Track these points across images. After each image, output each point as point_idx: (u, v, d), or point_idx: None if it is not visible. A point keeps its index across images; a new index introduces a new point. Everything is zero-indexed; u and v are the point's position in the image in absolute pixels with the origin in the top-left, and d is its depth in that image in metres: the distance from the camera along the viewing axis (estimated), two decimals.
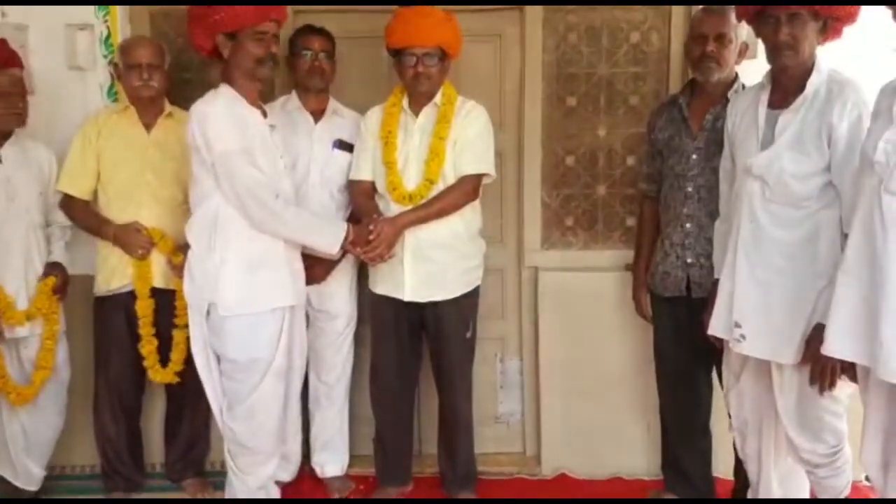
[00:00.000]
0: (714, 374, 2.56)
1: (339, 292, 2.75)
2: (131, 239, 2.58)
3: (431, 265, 2.53)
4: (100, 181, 2.65)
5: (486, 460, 2.93)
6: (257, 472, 2.33)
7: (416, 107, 2.56)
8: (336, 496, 2.82)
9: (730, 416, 2.37)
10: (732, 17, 2.32)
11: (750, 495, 2.37)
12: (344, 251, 2.42)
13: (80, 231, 2.72)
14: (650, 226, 2.65)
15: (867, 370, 1.81)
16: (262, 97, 2.40)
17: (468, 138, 2.51)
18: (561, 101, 2.93)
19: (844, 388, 1.99)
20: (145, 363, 2.63)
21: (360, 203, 2.62)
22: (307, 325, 2.71)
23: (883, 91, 1.84)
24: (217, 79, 2.76)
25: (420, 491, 2.83)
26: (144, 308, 2.60)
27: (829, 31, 2.04)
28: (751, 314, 2.08)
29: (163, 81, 2.63)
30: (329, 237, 2.32)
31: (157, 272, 2.62)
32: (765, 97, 2.12)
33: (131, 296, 2.61)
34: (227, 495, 2.38)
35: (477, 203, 2.62)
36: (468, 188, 2.53)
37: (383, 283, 2.60)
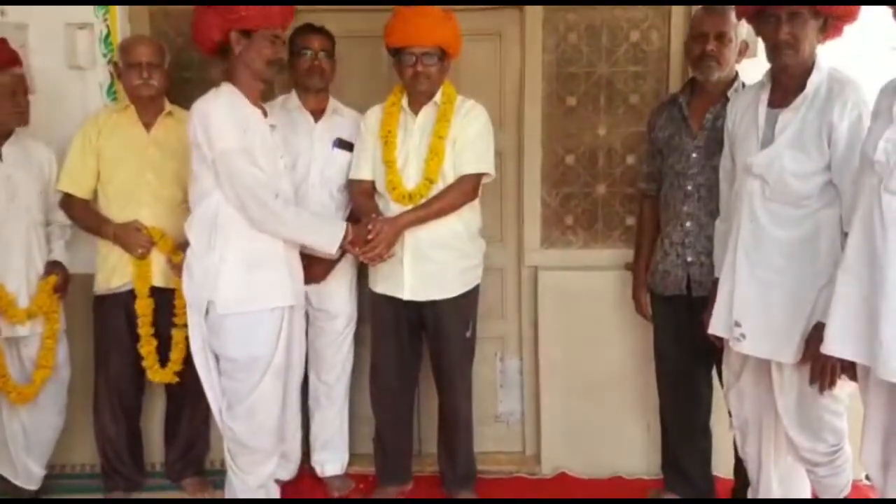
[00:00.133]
0: (714, 373, 2.56)
1: (339, 292, 2.75)
2: (131, 238, 2.58)
3: (431, 265, 2.53)
4: (100, 180, 2.65)
5: (485, 459, 2.93)
6: (257, 471, 2.33)
7: (416, 106, 2.55)
8: (336, 495, 2.82)
9: (730, 416, 2.37)
10: (733, 16, 2.32)
11: (750, 495, 2.37)
12: (343, 251, 2.43)
13: (80, 230, 2.72)
14: (650, 225, 2.65)
15: (867, 369, 1.81)
16: (262, 97, 2.40)
17: (468, 138, 2.51)
18: (561, 101, 2.93)
19: (844, 388, 1.99)
20: (144, 363, 2.63)
21: (359, 202, 2.62)
22: (307, 325, 2.72)
23: (883, 90, 1.83)
24: (217, 78, 2.77)
25: (420, 490, 2.83)
26: (144, 307, 2.60)
27: (830, 29, 2.04)
28: (751, 313, 2.08)
29: (163, 80, 2.63)
30: (328, 237, 2.32)
31: (157, 271, 2.62)
32: (765, 96, 2.12)
33: (131, 295, 2.61)
34: (227, 494, 2.38)
35: (476, 203, 2.62)
36: (468, 187, 2.53)
37: (383, 283, 2.60)
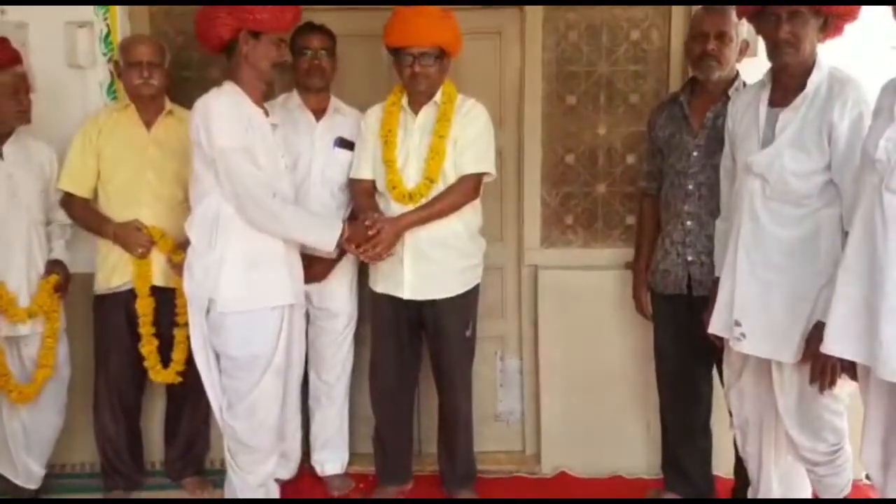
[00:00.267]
0: (714, 373, 2.55)
1: (339, 291, 2.75)
2: (131, 237, 2.58)
3: (431, 264, 2.53)
4: (100, 179, 2.65)
5: (485, 459, 2.93)
6: (257, 470, 2.33)
7: (416, 105, 2.55)
8: (336, 494, 2.82)
9: (730, 415, 2.36)
10: (733, 15, 2.32)
11: (750, 494, 2.37)
12: (342, 251, 2.42)
13: (81, 229, 2.72)
14: (650, 224, 2.65)
15: (867, 369, 1.81)
16: (263, 96, 2.40)
17: (469, 137, 2.51)
18: (561, 100, 2.92)
19: (845, 387, 1.99)
20: (146, 363, 2.63)
21: (360, 202, 2.62)
22: (308, 324, 2.72)
23: (884, 89, 1.83)
24: (217, 77, 2.78)
25: (420, 489, 2.83)
26: (144, 307, 2.60)
27: (830, 28, 2.04)
28: (751, 313, 2.08)
29: (163, 79, 2.63)
30: (325, 235, 2.33)
31: (157, 270, 2.62)
32: (765, 95, 2.11)
33: (131, 294, 2.61)
34: (227, 493, 2.38)
35: (477, 202, 2.61)
36: (469, 187, 2.53)
37: (383, 282, 2.60)
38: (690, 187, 2.44)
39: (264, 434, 2.30)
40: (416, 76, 2.45)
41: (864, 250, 1.76)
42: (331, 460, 2.86)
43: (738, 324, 2.10)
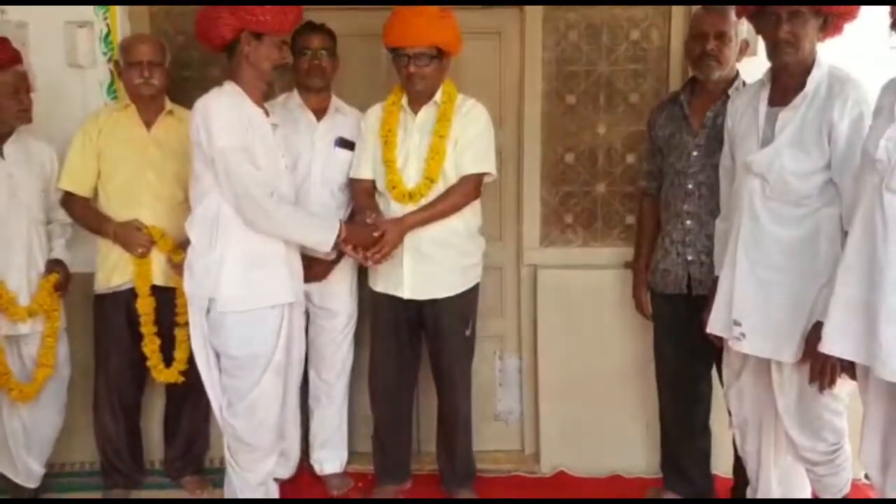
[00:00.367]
0: (714, 372, 2.55)
1: (340, 290, 2.75)
2: (131, 237, 2.58)
3: (431, 263, 2.53)
4: (100, 179, 2.65)
5: (484, 458, 2.93)
6: (257, 469, 2.33)
7: (416, 105, 2.55)
8: (335, 493, 2.82)
9: (729, 414, 2.36)
10: (732, 14, 2.32)
11: (749, 494, 2.37)
12: (340, 252, 2.42)
13: (81, 229, 2.72)
14: (650, 223, 2.65)
15: (867, 369, 1.80)
16: (263, 96, 2.39)
17: (469, 137, 2.51)
18: (561, 99, 2.92)
19: (844, 386, 1.99)
20: (149, 363, 2.63)
21: (360, 201, 2.62)
22: (308, 323, 2.72)
23: (885, 88, 1.83)
24: (217, 76, 2.78)
25: (419, 488, 2.83)
26: (145, 306, 2.60)
27: (830, 27, 2.04)
28: (751, 312, 2.08)
29: (163, 79, 2.63)
30: (323, 236, 2.32)
31: (158, 270, 2.62)
32: (765, 94, 2.11)
33: (131, 293, 2.62)
34: (227, 492, 2.38)
35: (476, 201, 2.61)
36: (470, 188, 2.53)
37: (383, 281, 2.60)
38: (690, 187, 2.44)
39: (264, 432, 2.30)
40: (412, 76, 2.45)
41: (863, 250, 1.76)
42: (330, 459, 2.86)
43: (737, 323, 2.10)
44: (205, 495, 2.80)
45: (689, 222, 2.45)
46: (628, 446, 2.93)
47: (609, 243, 2.97)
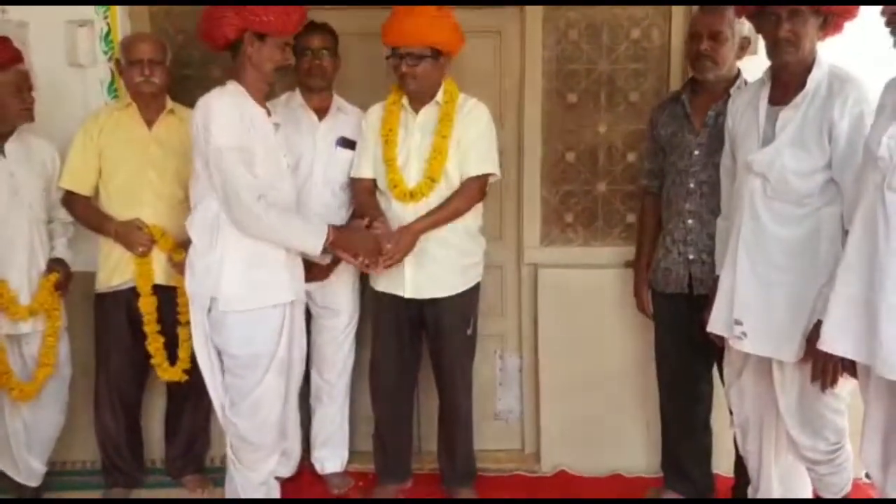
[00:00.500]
0: (715, 371, 2.55)
1: (342, 289, 2.75)
2: (132, 236, 2.58)
3: (432, 263, 2.53)
4: (101, 178, 2.65)
5: (485, 457, 2.93)
6: (260, 468, 2.33)
7: (417, 104, 2.55)
8: (335, 492, 2.82)
9: (731, 413, 2.36)
10: (729, 14, 2.32)
11: (750, 493, 2.36)
12: (335, 259, 2.40)
13: (82, 228, 2.72)
14: (652, 222, 2.65)
15: (867, 368, 1.80)
16: (265, 96, 2.39)
17: (471, 138, 2.51)
18: (561, 98, 2.92)
19: (845, 385, 1.98)
20: (153, 361, 2.63)
21: (362, 201, 2.62)
22: (310, 322, 2.72)
23: (888, 86, 1.82)
24: (218, 75, 2.79)
25: (419, 488, 2.83)
26: (148, 305, 2.61)
27: (830, 26, 2.04)
28: (752, 312, 2.07)
29: (164, 78, 2.63)
30: (310, 240, 2.28)
31: (159, 269, 2.62)
32: (765, 93, 2.11)
33: (132, 292, 2.62)
34: (228, 492, 2.38)
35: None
36: (475, 190, 2.54)
37: (384, 281, 2.60)
38: (692, 185, 2.44)
39: (267, 431, 2.31)
40: (404, 76, 2.45)
41: (864, 249, 1.76)
42: (331, 458, 2.86)
43: (738, 322, 2.10)
44: (205, 494, 2.80)
45: (690, 221, 2.45)
46: (629, 445, 2.93)
47: (609, 242, 2.97)
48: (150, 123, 2.67)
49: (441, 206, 2.49)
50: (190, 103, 2.56)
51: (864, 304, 1.75)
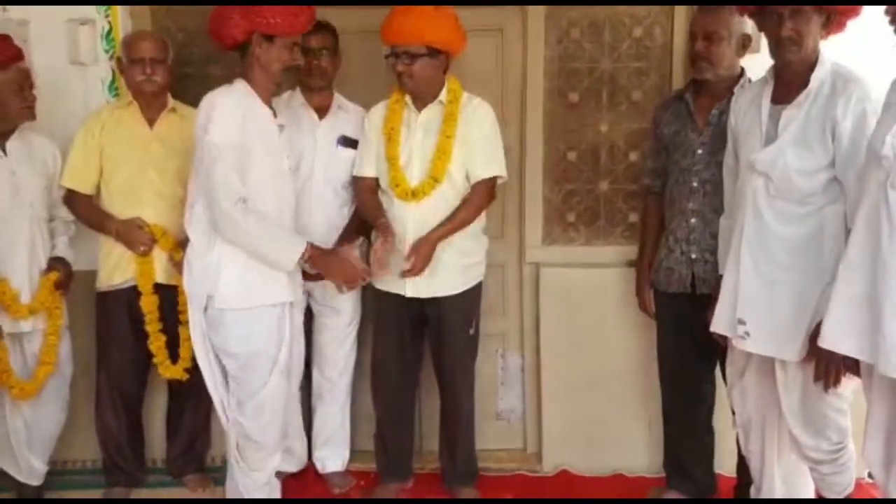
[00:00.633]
0: (717, 371, 2.54)
1: None
2: (133, 235, 2.58)
3: (434, 262, 2.52)
4: (102, 177, 2.65)
5: (486, 457, 2.93)
6: (265, 467, 2.33)
7: (420, 104, 2.55)
8: (336, 492, 2.82)
9: (733, 413, 2.36)
10: (725, 15, 2.33)
11: (753, 493, 2.36)
12: (318, 275, 2.38)
13: (84, 226, 2.71)
14: (654, 221, 2.64)
15: (870, 367, 1.79)
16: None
17: (477, 140, 2.51)
18: (563, 97, 2.92)
19: (848, 385, 1.98)
20: (155, 359, 2.63)
21: (363, 199, 2.62)
22: (311, 321, 2.71)
23: (893, 84, 1.81)
24: (219, 74, 2.79)
25: (421, 487, 2.82)
26: (149, 304, 2.60)
27: (833, 25, 2.03)
28: (755, 311, 2.07)
29: (166, 76, 2.63)
30: (284, 254, 2.22)
31: (160, 268, 2.62)
32: (768, 92, 2.11)
33: (133, 291, 2.62)
34: (230, 492, 2.37)
35: None
36: (485, 193, 2.56)
37: (386, 279, 2.59)
38: (695, 184, 2.44)
39: (272, 431, 2.31)
40: (400, 74, 2.46)
41: (867, 247, 1.75)
42: (332, 457, 2.86)
43: (741, 322, 2.09)
44: (206, 493, 2.80)
45: (693, 220, 2.45)
46: (631, 445, 2.93)
47: (612, 241, 2.96)
48: (151, 122, 2.67)
49: (455, 213, 2.51)
50: (190, 102, 2.56)
51: (866, 303, 1.75)
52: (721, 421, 2.62)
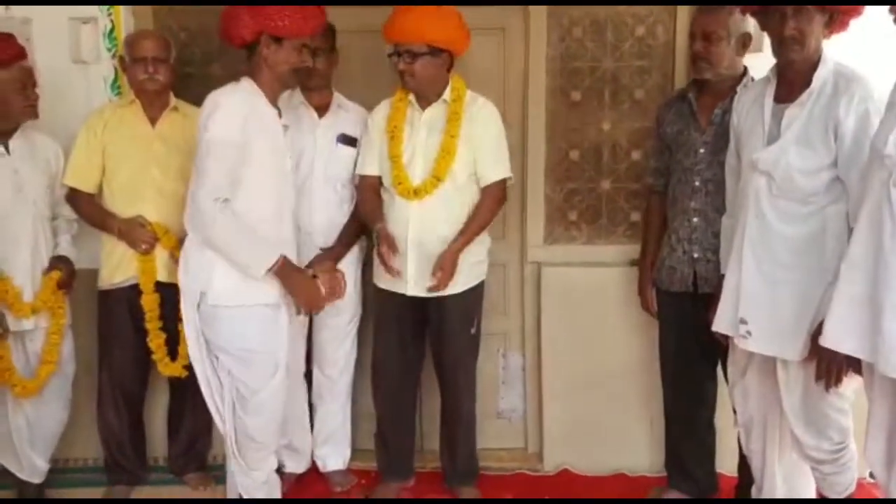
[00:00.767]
0: (719, 370, 2.54)
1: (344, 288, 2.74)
2: (135, 233, 2.59)
3: (435, 260, 2.52)
4: (104, 175, 2.65)
5: (487, 456, 2.93)
6: (264, 466, 2.34)
7: (424, 102, 2.55)
8: (338, 490, 2.82)
9: (734, 413, 2.35)
10: (723, 15, 2.33)
11: (754, 492, 2.36)
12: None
13: (86, 225, 2.72)
14: (657, 220, 2.64)
15: (871, 366, 1.79)
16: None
17: (486, 143, 2.52)
18: (565, 95, 2.91)
19: (850, 384, 1.97)
20: (154, 357, 2.64)
21: (364, 199, 2.62)
22: (311, 319, 2.71)
23: None
24: (220, 73, 2.79)
25: (422, 486, 2.82)
26: (150, 302, 2.60)
27: (836, 24, 2.02)
28: (757, 311, 2.06)
29: (168, 75, 2.62)
30: (256, 261, 2.17)
31: (161, 266, 2.62)
32: (770, 91, 2.10)
33: (134, 289, 2.62)
34: (230, 491, 2.37)
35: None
36: (499, 196, 2.58)
37: (386, 278, 2.59)
38: (697, 184, 2.44)
39: (272, 430, 2.31)
40: (402, 73, 2.46)
41: (869, 246, 1.75)
42: (333, 456, 2.86)
43: (743, 321, 2.09)
44: (207, 491, 2.80)
45: (695, 219, 2.44)
46: (632, 444, 2.92)
47: (613, 241, 2.96)
48: (153, 121, 2.67)
49: (471, 220, 2.52)
50: (192, 101, 2.56)
51: (868, 302, 1.74)
52: (722, 420, 2.61)
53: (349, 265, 2.73)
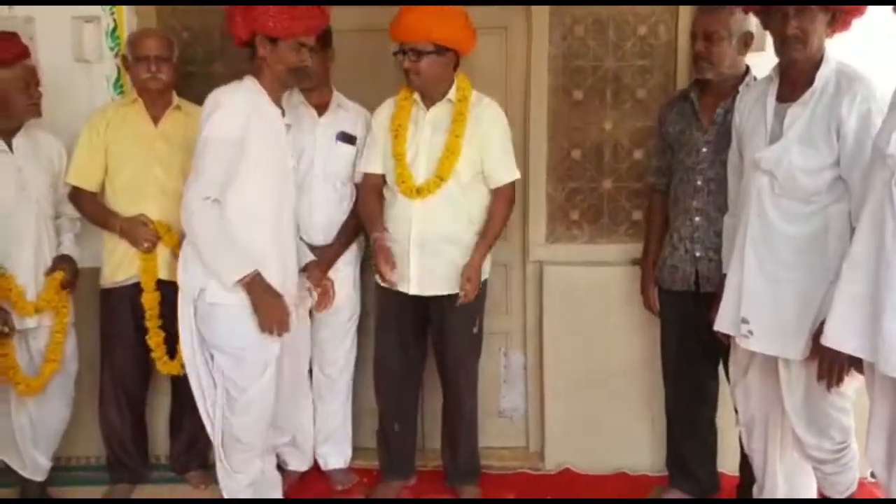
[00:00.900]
0: (721, 370, 2.54)
1: (343, 286, 2.74)
2: (137, 232, 2.59)
3: (437, 259, 2.53)
4: (107, 174, 2.66)
5: (489, 455, 2.93)
6: (248, 469, 2.32)
7: (428, 101, 2.55)
8: (339, 489, 2.83)
9: (736, 412, 2.35)
10: (724, 15, 2.33)
11: (755, 491, 2.36)
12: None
13: (88, 223, 2.72)
14: (659, 219, 2.64)
15: (873, 365, 1.79)
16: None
17: (493, 144, 2.52)
18: (567, 95, 2.91)
19: (851, 384, 1.97)
20: (153, 355, 2.64)
21: (366, 198, 2.62)
22: (311, 318, 2.72)
23: None
24: (222, 72, 2.79)
25: (423, 485, 2.83)
26: (151, 301, 2.61)
27: (838, 23, 2.02)
28: (759, 310, 2.06)
29: (171, 74, 2.63)
30: (228, 268, 2.15)
31: (163, 265, 2.62)
32: (773, 90, 2.10)
33: (136, 288, 2.62)
34: (225, 493, 2.37)
35: (484, 199, 2.60)
36: (509, 198, 2.59)
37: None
38: (699, 183, 2.44)
39: (259, 432, 2.29)
40: (407, 71, 2.46)
41: (871, 245, 1.75)
42: (334, 454, 2.86)
43: (745, 321, 2.09)
44: (209, 490, 2.80)
45: (697, 219, 2.44)
46: (634, 444, 2.92)
47: (615, 240, 2.96)
48: (156, 119, 2.67)
49: (488, 227, 2.54)
50: (194, 100, 2.57)
51: (869, 301, 1.74)
52: (724, 419, 2.61)
53: (348, 264, 2.74)
